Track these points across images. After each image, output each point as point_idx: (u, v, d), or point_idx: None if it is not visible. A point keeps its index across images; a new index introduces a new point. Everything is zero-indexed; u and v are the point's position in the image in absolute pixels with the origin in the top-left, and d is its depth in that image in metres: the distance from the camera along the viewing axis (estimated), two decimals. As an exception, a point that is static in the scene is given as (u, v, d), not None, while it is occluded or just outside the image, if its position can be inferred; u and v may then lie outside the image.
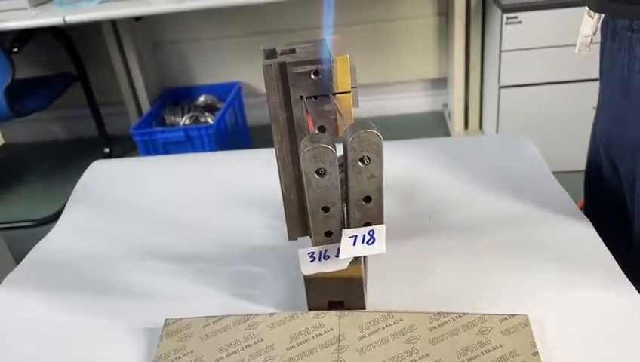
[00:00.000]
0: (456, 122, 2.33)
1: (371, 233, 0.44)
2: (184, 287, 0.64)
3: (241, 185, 0.82)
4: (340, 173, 0.42)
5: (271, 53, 0.49)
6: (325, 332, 0.53)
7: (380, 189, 0.42)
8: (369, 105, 2.50)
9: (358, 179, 0.42)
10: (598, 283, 0.58)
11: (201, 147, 2.11)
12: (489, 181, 0.77)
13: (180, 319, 0.57)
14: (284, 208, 0.53)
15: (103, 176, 0.88)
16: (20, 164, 2.66)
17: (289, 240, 0.54)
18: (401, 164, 0.82)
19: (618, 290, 0.57)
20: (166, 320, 0.57)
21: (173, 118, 2.33)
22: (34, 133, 2.77)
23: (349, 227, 0.45)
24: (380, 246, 0.44)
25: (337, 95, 0.48)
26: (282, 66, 0.46)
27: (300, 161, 0.40)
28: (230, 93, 2.35)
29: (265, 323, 0.55)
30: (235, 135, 2.33)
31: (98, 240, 0.73)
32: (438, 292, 0.59)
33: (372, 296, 0.58)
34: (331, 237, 0.46)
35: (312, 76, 0.46)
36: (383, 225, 0.44)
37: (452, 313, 0.53)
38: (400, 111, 2.61)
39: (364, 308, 0.56)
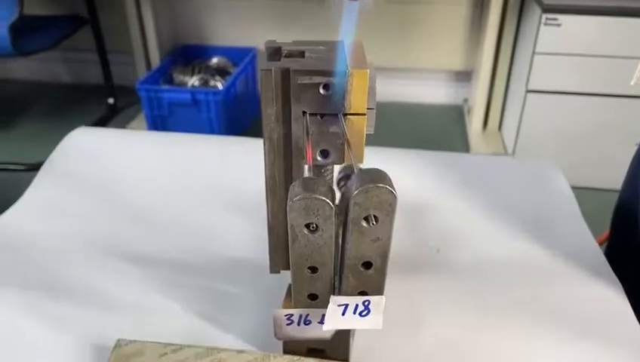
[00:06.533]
0: (475, 120, 2.22)
1: (366, 304, 0.35)
2: (145, 299, 0.55)
3: (234, 181, 0.71)
4: (337, 220, 0.33)
5: (274, 53, 0.40)
6: (298, 384, 0.45)
7: (385, 256, 0.33)
8: (388, 89, 2.38)
9: (359, 240, 0.32)
10: (620, 358, 0.49)
11: (207, 112, 2.03)
12: (509, 214, 0.68)
13: (134, 342, 0.49)
14: (269, 238, 0.44)
15: (82, 147, 0.79)
16: (19, 102, 2.56)
17: (270, 273, 0.46)
18: (412, 179, 0.73)
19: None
20: (118, 341, 0.49)
21: (182, 78, 2.23)
22: (37, 72, 2.67)
23: (339, 293, 0.36)
24: (375, 320, 0.35)
25: (349, 116, 0.38)
26: (285, 73, 0.37)
27: (287, 212, 0.31)
28: (245, 59, 2.25)
29: (231, 361, 0.47)
30: (244, 104, 2.23)
31: (59, 227, 0.65)
32: (434, 349, 0.50)
33: (358, 346, 0.49)
34: (316, 301, 0.37)
35: (321, 90, 0.37)
36: (382, 297, 0.35)
37: (449, 382, 0.45)
38: (418, 100, 2.50)
39: (348, 361, 0.48)
